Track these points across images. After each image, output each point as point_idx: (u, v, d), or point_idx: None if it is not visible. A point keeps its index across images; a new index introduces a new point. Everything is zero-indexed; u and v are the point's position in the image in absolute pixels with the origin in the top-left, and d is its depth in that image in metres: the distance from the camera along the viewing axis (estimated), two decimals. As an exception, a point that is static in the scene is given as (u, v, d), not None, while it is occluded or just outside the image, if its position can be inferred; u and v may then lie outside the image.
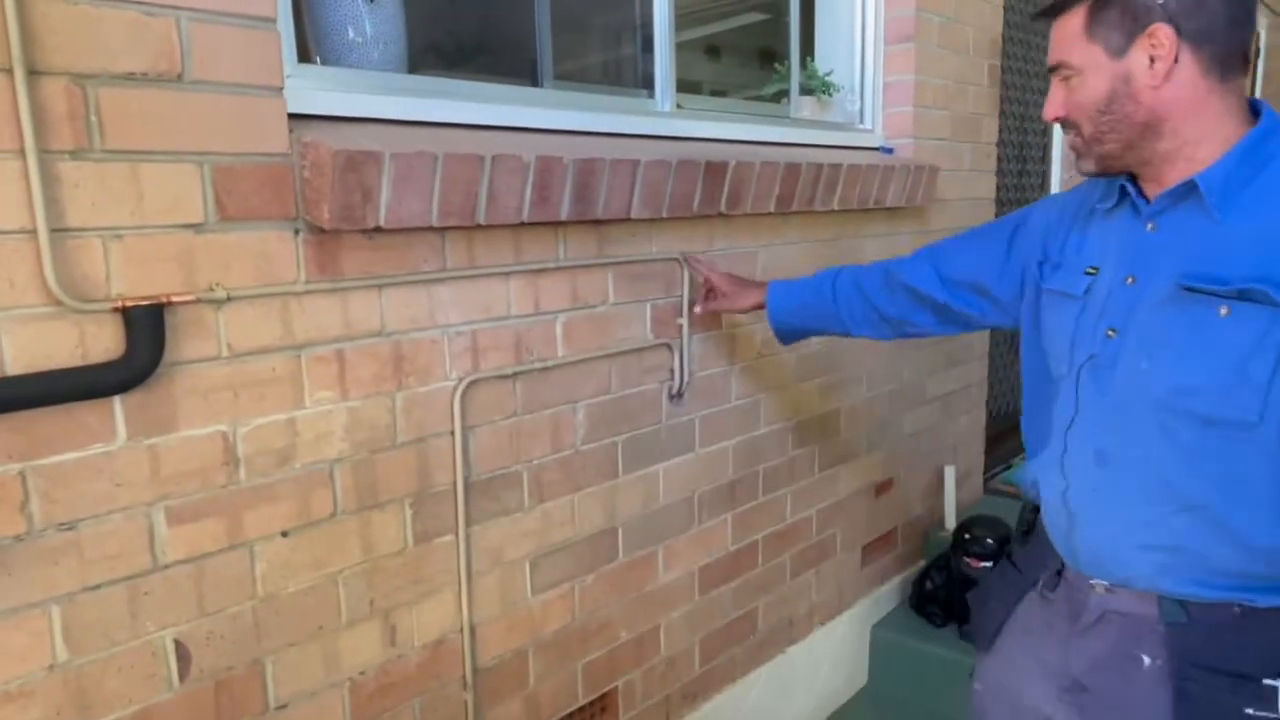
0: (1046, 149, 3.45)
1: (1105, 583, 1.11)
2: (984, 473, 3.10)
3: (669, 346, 1.78)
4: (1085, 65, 1.04)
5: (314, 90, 1.28)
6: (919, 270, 1.47)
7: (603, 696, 1.77)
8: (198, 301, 1.12)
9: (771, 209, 1.87)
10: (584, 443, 1.64)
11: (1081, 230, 1.19)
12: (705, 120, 1.91)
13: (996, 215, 2.92)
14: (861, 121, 2.44)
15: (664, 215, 1.63)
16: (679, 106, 1.90)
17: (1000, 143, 2.89)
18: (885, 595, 2.60)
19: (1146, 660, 1.08)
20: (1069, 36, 1.05)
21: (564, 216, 1.46)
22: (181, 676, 1.16)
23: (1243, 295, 0.95)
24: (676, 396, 1.81)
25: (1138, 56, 1.00)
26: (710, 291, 1.75)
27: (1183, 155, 1.03)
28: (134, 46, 1.03)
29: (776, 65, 2.35)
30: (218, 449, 1.16)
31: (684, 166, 1.62)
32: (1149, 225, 1.07)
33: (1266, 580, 1.01)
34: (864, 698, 2.50)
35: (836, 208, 2.06)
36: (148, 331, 1.07)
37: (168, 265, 1.09)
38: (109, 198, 1.04)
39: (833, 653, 2.40)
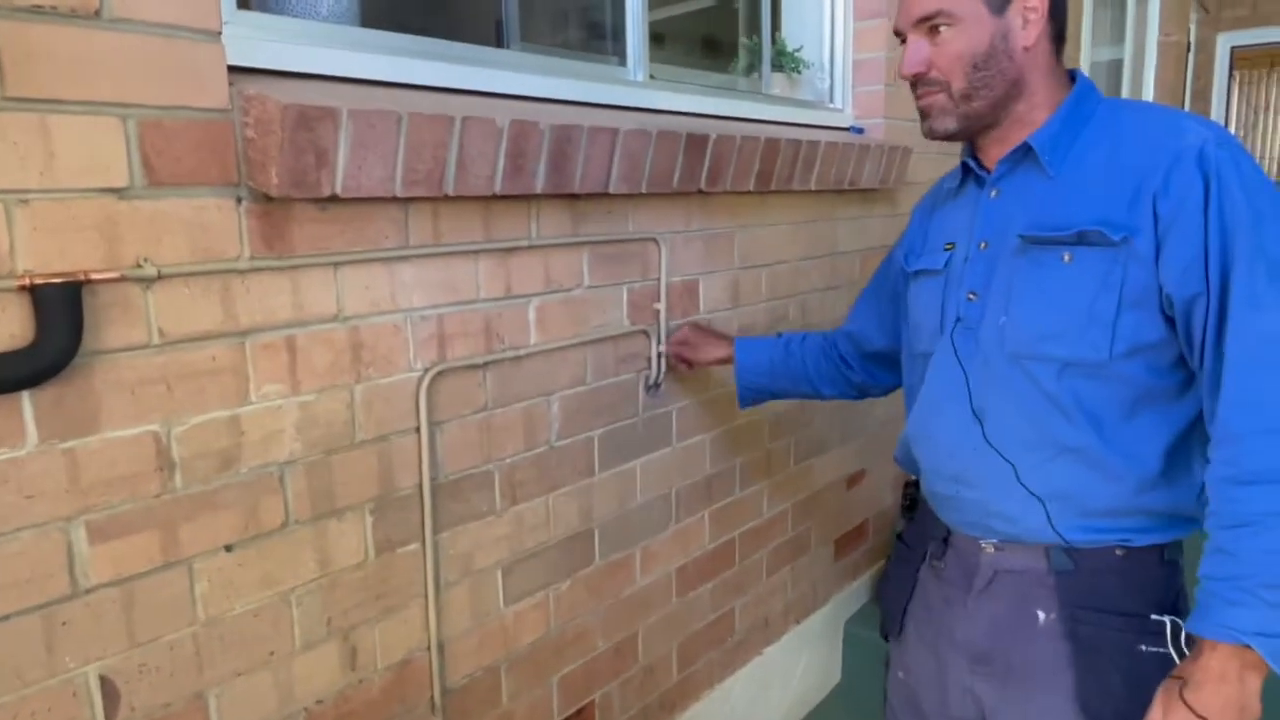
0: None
1: (994, 541, 1.14)
2: (948, 462, 3.06)
3: (646, 333, 1.66)
4: (967, 16, 1.05)
5: (256, 40, 1.11)
6: (863, 327, 1.47)
7: (579, 711, 1.64)
8: (123, 279, 0.95)
9: (751, 187, 1.76)
10: (559, 438, 1.51)
11: (938, 217, 1.25)
12: (679, 93, 1.79)
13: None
14: (831, 100, 2.34)
15: (643, 190, 1.50)
16: (651, 77, 1.77)
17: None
18: (858, 590, 2.53)
19: (1041, 616, 1.11)
20: None
21: (539, 189, 1.32)
22: (109, 718, 1.00)
23: (1081, 239, 1.00)
24: (654, 387, 1.69)
25: (1014, 16, 1.06)
26: (679, 344, 1.68)
27: (1028, 119, 1.09)
28: (40, -26, 0.86)
29: (744, 39, 2.24)
30: (149, 452, 1.00)
31: (664, 138, 1.49)
32: (993, 192, 1.13)
33: (1144, 517, 1.05)
34: (839, 694, 2.41)
35: (814, 187, 1.96)
36: (62, 314, 0.90)
37: (86, 236, 0.92)
38: (12, 155, 0.87)
39: (808, 651, 2.31)
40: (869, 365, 1.50)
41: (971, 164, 1.16)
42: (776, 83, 2.23)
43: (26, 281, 0.88)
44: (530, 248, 1.41)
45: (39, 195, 0.89)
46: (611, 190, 1.45)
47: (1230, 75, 6.73)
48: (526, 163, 1.28)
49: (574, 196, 1.45)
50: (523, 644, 1.50)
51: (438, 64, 1.34)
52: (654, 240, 1.63)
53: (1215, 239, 0.94)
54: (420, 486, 1.29)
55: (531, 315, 1.43)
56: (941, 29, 1.06)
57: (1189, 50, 6.09)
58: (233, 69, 1.04)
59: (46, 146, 0.89)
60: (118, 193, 0.94)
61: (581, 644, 1.62)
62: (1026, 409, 1.06)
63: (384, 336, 1.22)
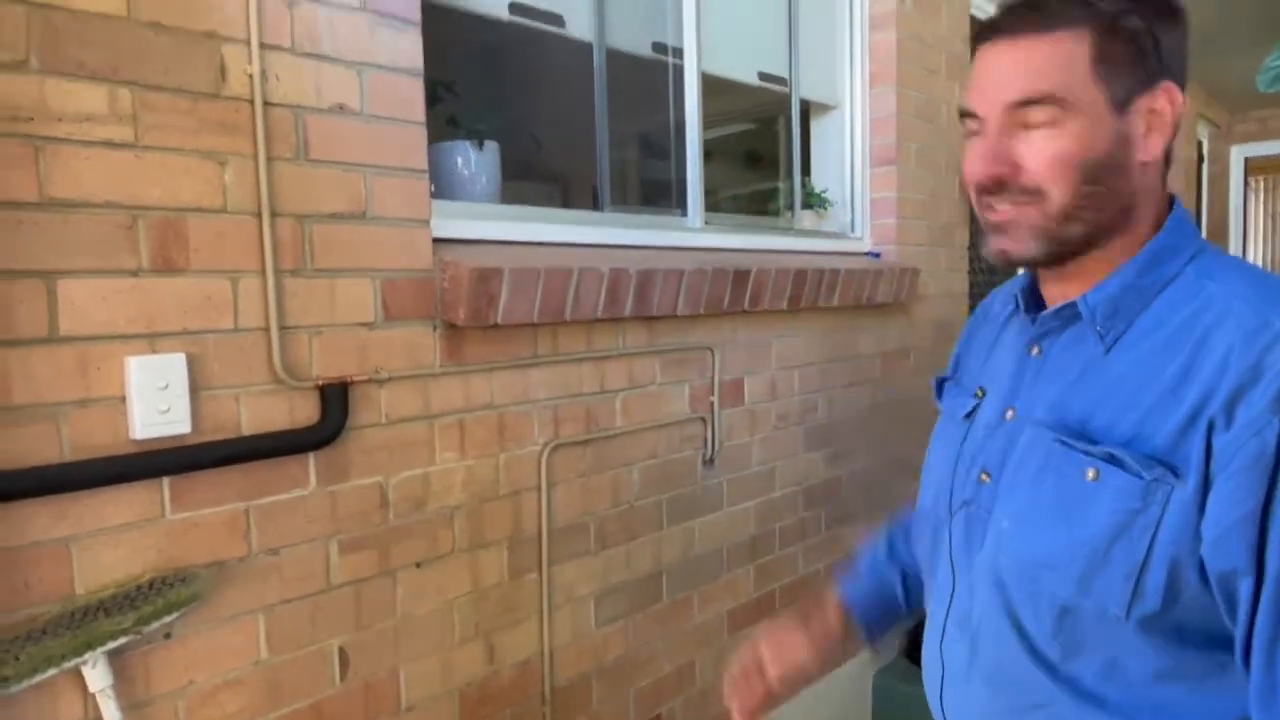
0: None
1: None
2: (968, 538, 3.43)
3: (703, 420, 2.14)
4: (1085, 107, 0.76)
5: (446, 220, 1.66)
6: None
7: (650, 721, 2.06)
8: (368, 381, 1.47)
9: (784, 307, 2.26)
10: (637, 499, 1.98)
11: (983, 342, 1.02)
12: (727, 234, 2.32)
13: (970, 308, 3.33)
14: (853, 231, 2.86)
15: (701, 312, 2.01)
16: (706, 224, 2.30)
17: (971, 245, 3.33)
18: (884, 645, 2.90)
19: None
20: (1064, 61, 0.76)
21: (626, 314, 1.83)
22: (342, 677, 1.47)
23: (1112, 459, 0.75)
24: (709, 462, 2.16)
25: (1136, 120, 0.78)
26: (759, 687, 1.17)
27: (1116, 259, 0.82)
28: (336, 194, 1.41)
29: (779, 183, 2.78)
30: (376, 495, 1.50)
31: (718, 273, 2.01)
32: (1034, 349, 0.88)
33: None
34: (868, 739, 2.77)
35: (836, 304, 2.45)
36: (336, 403, 1.42)
37: (349, 353, 1.45)
38: (314, 304, 1.40)
39: (839, 697, 2.69)
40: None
41: (1019, 300, 0.91)
42: (806, 218, 2.75)
43: (317, 383, 1.40)
44: (619, 355, 1.91)
45: (326, 328, 1.42)
46: (678, 313, 1.95)
47: (1246, 184, 7.16)
48: (619, 297, 1.80)
49: (651, 318, 1.96)
50: (609, 659, 1.94)
51: (554, 225, 1.88)
52: (709, 349, 2.13)
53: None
54: (540, 530, 1.77)
55: (618, 405, 1.93)
56: (1042, 122, 0.77)
57: (1200, 162, 6.56)
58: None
59: (332, 298, 1.42)
60: (367, 326, 1.47)
61: (652, 666, 2.05)
62: (1005, 646, 0.83)
63: (520, 420, 1.72)
